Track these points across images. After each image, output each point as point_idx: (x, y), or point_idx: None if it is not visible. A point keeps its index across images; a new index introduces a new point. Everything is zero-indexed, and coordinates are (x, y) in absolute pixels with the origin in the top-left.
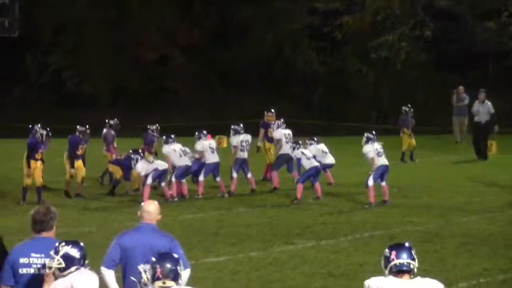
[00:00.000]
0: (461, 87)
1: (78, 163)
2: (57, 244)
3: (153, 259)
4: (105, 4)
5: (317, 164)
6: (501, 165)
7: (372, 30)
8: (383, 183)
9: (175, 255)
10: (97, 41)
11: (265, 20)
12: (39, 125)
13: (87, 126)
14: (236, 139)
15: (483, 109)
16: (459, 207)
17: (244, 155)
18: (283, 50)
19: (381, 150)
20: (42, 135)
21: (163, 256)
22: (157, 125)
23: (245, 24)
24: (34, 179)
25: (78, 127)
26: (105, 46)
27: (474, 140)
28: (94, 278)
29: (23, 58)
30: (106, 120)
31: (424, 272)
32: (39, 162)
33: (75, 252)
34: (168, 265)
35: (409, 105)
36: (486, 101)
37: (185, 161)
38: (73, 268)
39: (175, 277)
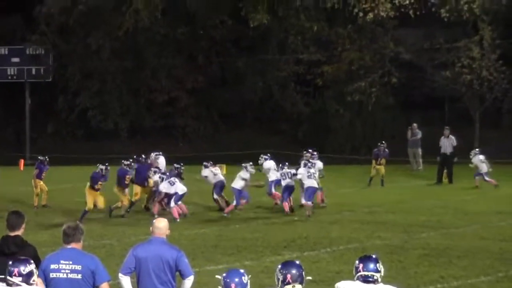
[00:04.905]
0: (414, 124)
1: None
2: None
3: (280, 265)
4: (124, 55)
5: (292, 183)
6: (455, 190)
7: (348, 78)
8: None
9: (298, 262)
10: (117, 85)
11: (258, 69)
12: (100, 165)
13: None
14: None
15: (448, 142)
16: (419, 224)
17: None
18: (273, 93)
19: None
20: (102, 169)
21: (290, 264)
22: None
23: (241, 72)
24: (97, 203)
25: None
26: (124, 90)
27: (439, 169)
28: None
29: (55, 99)
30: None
31: (390, 278)
32: (98, 192)
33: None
34: (297, 271)
35: (383, 142)
36: (450, 136)
37: (220, 178)
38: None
39: (302, 280)
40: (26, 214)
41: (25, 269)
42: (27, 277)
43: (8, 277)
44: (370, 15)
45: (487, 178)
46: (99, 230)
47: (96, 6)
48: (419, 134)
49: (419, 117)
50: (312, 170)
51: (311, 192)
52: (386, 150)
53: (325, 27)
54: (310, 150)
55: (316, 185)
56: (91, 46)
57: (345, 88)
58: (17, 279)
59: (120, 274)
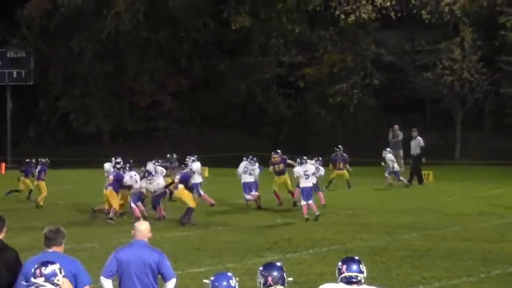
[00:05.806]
0: (396, 126)
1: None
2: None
3: (262, 268)
4: (106, 58)
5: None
6: (437, 191)
7: (330, 80)
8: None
9: (279, 264)
10: (99, 89)
11: (240, 71)
12: (190, 165)
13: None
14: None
15: (415, 144)
16: (402, 226)
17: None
18: (255, 96)
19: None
20: (190, 170)
21: (271, 266)
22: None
23: (224, 75)
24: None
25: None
26: (106, 93)
27: (411, 170)
28: None
29: (37, 103)
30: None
31: (373, 280)
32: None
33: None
34: (278, 273)
35: (339, 146)
36: (418, 137)
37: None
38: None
39: (283, 282)
40: (6, 218)
41: (46, 269)
42: (49, 277)
43: (32, 279)
44: (352, 17)
45: (400, 177)
46: (81, 233)
47: (77, 9)
48: (401, 136)
49: (400, 118)
50: (250, 167)
51: (247, 187)
52: (344, 154)
53: (307, 29)
54: (279, 151)
55: (253, 180)
56: (72, 49)
57: (326, 90)
58: (40, 280)
59: (102, 277)
